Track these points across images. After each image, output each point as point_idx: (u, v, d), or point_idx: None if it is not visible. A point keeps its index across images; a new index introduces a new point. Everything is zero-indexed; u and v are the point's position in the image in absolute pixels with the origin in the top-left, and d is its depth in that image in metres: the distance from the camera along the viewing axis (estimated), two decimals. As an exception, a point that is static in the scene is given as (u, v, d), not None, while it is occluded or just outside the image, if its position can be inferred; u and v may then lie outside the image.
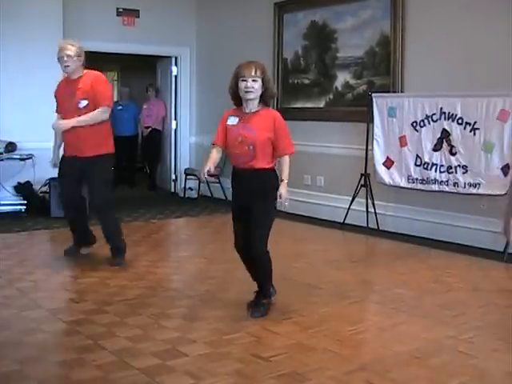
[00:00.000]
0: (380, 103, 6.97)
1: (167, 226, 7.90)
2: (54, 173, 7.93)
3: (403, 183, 6.81)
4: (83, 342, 3.75)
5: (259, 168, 4.06)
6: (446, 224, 6.60)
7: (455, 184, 6.31)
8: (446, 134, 6.38)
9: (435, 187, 6.49)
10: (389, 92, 7.09)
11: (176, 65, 10.12)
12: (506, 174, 5.95)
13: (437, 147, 6.47)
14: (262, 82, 4.04)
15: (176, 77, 10.16)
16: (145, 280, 5.11)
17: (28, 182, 8.03)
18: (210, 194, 9.47)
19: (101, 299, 4.57)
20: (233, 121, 4.14)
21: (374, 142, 7.01)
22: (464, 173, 6.25)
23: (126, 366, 3.39)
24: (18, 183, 8.04)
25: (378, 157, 6.99)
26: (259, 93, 4.05)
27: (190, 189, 9.78)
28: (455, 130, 6.30)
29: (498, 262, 5.85)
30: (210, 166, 4.12)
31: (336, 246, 6.73)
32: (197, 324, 4.09)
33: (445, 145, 6.40)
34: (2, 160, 7.69)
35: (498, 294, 4.93)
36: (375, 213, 7.15)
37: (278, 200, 4.02)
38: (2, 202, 7.82)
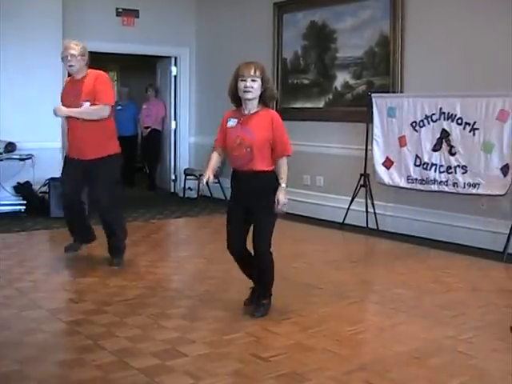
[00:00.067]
0: (379, 103, 6.97)
1: (167, 226, 7.91)
2: (54, 173, 7.99)
3: (403, 183, 6.81)
4: (83, 342, 3.75)
5: (258, 170, 4.05)
6: (445, 224, 6.60)
7: (455, 184, 6.32)
8: (445, 134, 6.38)
9: (435, 187, 6.49)
10: (388, 92, 7.09)
11: (175, 65, 10.12)
12: (505, 174, 5.96)
13: (436, 147, 6.47)
14: (262, 82, 4.04)
15: (175, 77, 10.17)
16: (144, 280, 5.11)
17: (27, 182, 8.03)
18: (209, 194, 9.47)
19: (100, 299, 4.57)
20: (232, 123, 4.13)
21: (374, 142, 7.01)
22: (463, 173, 6.25)
23: (126, 366, 3.39)
24: (18, 183, 8.04)
25: (378, 157, 6.99)
26: (258, 93, 4.04)
27: (190, 189, 9.78)
28: (455, 130, 6.31)
29: (497, 262, 5.85)
30: (210, 174, 4.15)
31: (335, 246, 6.73)
32: (196, 324, 4.09)
33: (444, 145, 6.40)
34: (1, 160, 7.69)
35: (498, 294, 4.93)
36: (375, 213, 7.16)
37: (276, 206, 4.01)
38: (2, 202, 7.82)
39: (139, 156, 11.68)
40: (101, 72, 5.49)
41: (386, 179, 6.94)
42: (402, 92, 7.02)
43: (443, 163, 6.41)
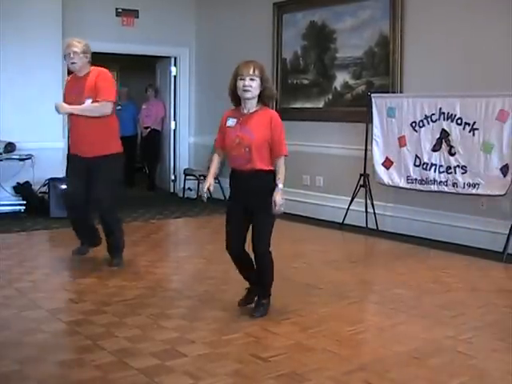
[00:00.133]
0: (379, 103, 6.98)
1: (166, 227, 7.91)
2: (54, 173, 8.00)
3: (402, 183, 6.81)
4: (82, 342, 3.75)
5: (257, 170, 4.05)
6: (445, 224, 6.60)
7: (454, 184, 6.32)
8: (445, 135, 6.38)
9: (434, 187, 6.49)
10: (388, 92, 7.10)
11: (175, 65, 10.12)
12: (505, 174, 5.96)
13: (436, 147, 6.47)
14: (261, 81, 4.04)
15: (175, 77, 10.17)
16: (144, 280, 5.11)
17: (27, 182, 8.03)
18: (209, 195, 9.46)
19: (100, 299, 4.57)
20: (231, 122, 4.13)
21: (373, 142, 7.01)
22: (463, 173, 6.25)
23: (125, 366, 3.39)
24: (18, 183, 8.04)
25: (377, 157, 6.99)
26: (257, 92, 4.04)
27: (189, 189, 9.78)
28: (454, 131, 6.31)
29: (497, 263, 5.85)
30: (211, 182, 4.20)
31: (335, 247, 6.73)
32: (196, 324, 4.09)
33: (444, 145, 6.40)
34: (1, 160, 7.69)
35: (497, 294, 4.93)
36: (374, 213, 7.16)
37: (273, 207, 4.00)
38: (2, 203, 7.82)
39: (139, 156, 11.68)
40: (103, 69, 5.48)
41: (386, 179, 6.94)
42: (401, 92, 7.02)
43: (443, 163, 6.41)
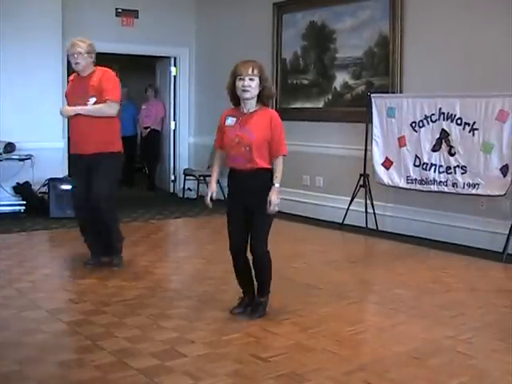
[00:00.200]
0: (379, 103, 6.98)
1: (166, 227, 7.91)
2: (53, 173, 8.00)
3: (402, 184, 6.81)
4: (82, 342, 3.75)
5: (256, 168, 4.04)
6: (444, 224, 6.60)
7: (454, 184, 6.32)
8: (445, 135, 6.38)
9: (434, 188, 6.49)
10: (388, 92, 7.10)
11: (175, 65, 10.12)
12: (505, 174, 5.96)
13: (436, 147, 6.47)
14: (260, 80, 4.02)
15: (175, 77, 10.16)
16: (144, 280, 5.11)
17: (27, 182, 8.03)
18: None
19: (100, 300, 4.57)
20: (230, 121, 4.12)
21: (373, 142, 7.01)
22: (463, 173, 6.25)
23: (125, 366, 3.39)
24: (17, 184, 8.04)
25: (377, 157, 7.00)
26: (256, 92, 4.03)
27: (189, 189, 9.78)
28: (454, 131, 6.31)
29: (496, 263, 5.85)
30: (213, 190, 4.21)
31: (335, 247, 6.73)
32: (195, 324, 4.09)
33: (444, 145, 6.40)
34: (1, 160, 7.68)
35: (497, 295, 4.93)
36: (374, 213, 7.16)
37: (267, 206, 3.98)
38: (1, 203, 7.82)
39: (139, 156, 11.68)
40: (107, 69, 5.45)
41: (386, 179, 6.94)
42: (401, 92, 7.02)
43: (443, 163, 6.41)
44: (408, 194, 6.88)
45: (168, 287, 5.07)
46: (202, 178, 9.33)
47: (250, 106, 4.08)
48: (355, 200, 7.19)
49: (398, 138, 6.81)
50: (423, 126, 6.57)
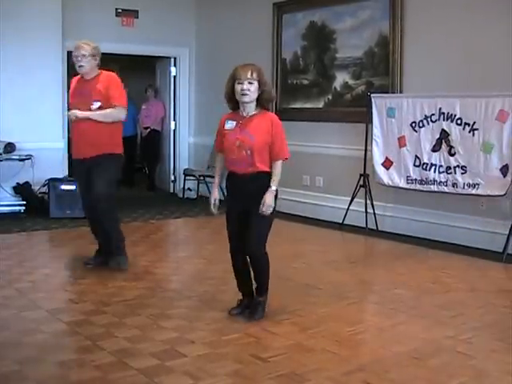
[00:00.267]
0: (379, 104, 6.98)
1: (166, 227, 7.91)
2: (53, 173, 8.00)
3: (402, 184, 6.81)
4: (82, 342, 3.75)
5: (258, 172, 4.03)
6: (444, 224, 6.60)
7: (454, 184, 6.32)
8: (445, 135, 6.38)
9: (434, 188, 6.49)
10: (388, 92, 7.10)
11: (175, 65, 10.12)
12: (504, 174, 5.96)
13: (436, 148, 6.47)
14: (259, 84, 4.01)
15: (175, 77, 10.16)
16: (143, 280, 5.11)
17: (27, 182, 8.03)
18: (209, 195, 9.46)
19: (100, 300, 4.57)
20: (230, 125, 4.10)
21: (373, 142, 7.01)
22: (463, 173, 6.25)
23: (125, 366, 3.40)
24: (17, 184, 8.04)
25: (377, 157, 7.00)
26: (255, 96, 4.01)
27: (189, 189, 9.78)
28: (454, 131, 6.31)
29: (496, 263, 5.85)
30: (216, 197, 4.22)
31: (335, 247, 6.73)
32: (195, 324, 4.09)
33: (444, 145, 6.40)
34: (1, 160, 7.68)
35: (497, 295, 4.93)
36: (374, 213, 7.16)
37: (261, 207, 3.97)
38: (1, 203, 7.81)
39: (139, 156, 11.68)
40: (112, 73, 5.41)
41: (386, 179, 6.94)
42: (401, 92, 7.02)
43: (443, 163, 6.41)
44: (408, 194, 6.88)
45: (168, 287, 5.07)
46: (201, 178, 9.33)
47: (250, 109, 4.06)
48: (355, 200, 7.19)
49: (398, 138, 6.81)
50: (423, 126, 6.57)
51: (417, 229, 6.86)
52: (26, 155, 7.83)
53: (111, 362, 3.45)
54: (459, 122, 6.26)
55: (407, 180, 6.75)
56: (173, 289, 5.03)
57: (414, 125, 6.65)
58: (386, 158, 6.93)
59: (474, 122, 6.14)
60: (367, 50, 7.40)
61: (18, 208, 7.82)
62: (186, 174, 9.75)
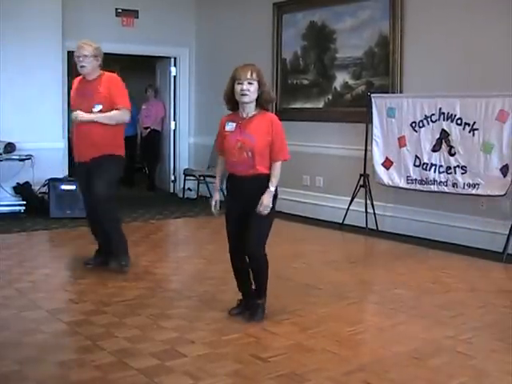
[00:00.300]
0: (379, 104, 6.98)
1: (166, 227, 7.91)
2: (53, 173, 8.00)
3: (402, 184, 6.81)
4: (82, 342, 3.75)
5: (258, 174, 4.02)
6: (444, 224, 6.60)
7: (454, 184, 6.32)
8: (445, 135, 6.38)
9: (434, 188, 6.49)
10: (388, 92, 7.10)
11: (175, 65, 10.12)
12: (505, 174, 5.96)
13: (436, 148, 6.47)
14: (258, 85, 4.00)
15: (175, 77, 10.16)
16: (144, 280, 5.11)
17: (27, 182, 8.03)
18: (209, 195, 9.46)
19: (100, 300, 4.57)
20: (230, 127, 4.09)
21: (373, 142, 7.01)
22: (463, 173, 6.25)
23: (125, 366, 3.40)
24: (17, 184, 8.04)
25: (377, 157, 7.00)
26: (255, 96, 4.01)
27: (189, 189, 9.78)
28: (454, 131, 6.31)
29: (496, 263, 5.85)
30: (217, 200, 4.22)
31: (335, 247, 6.73)
32: (195, 324, 4.09)
33: (444, 145, 6.40)
34: (1, 160, 7.68)
35: (497, 295, 4.93)
36: (374, 213, 7.16)
37: (258, 207, 3.96)
38: (1, 203, 7.81)
39: (139, 156, 11.67)
40: (114, 75, 5.38)
41: (386, 179, 6.94)
42: (401, 92, 7.02)
43: (443, 163, 6.41)
44: (408, 194, 6.88)
45: (168, 287, 5.07)
46: (202, 178, 9.32)
47: (249, 110, 4.05)
48: (355, 200, 7.19)
49: (398, 138, 6.81)
50: (423, 126, 6.57)
51: (417, 229, 6.86)
52: (26, 155, 7.82)
53: (111, 362, 3.45)
54: (459, 122, 6.26)
55: (407, 180, 6.75)
56: (173, 289, 5.04)
57: (414, 125, 6.65)
58: (386, 158, 6.93)
59: (474, 122, 6.14)
60: (367, 49, 7.40)
61: (18, 208, 7.83)
62: (186, 174, 9.75)
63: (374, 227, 7.18)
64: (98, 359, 3.48)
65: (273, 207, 4.05)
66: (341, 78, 7.75)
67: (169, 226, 7.96)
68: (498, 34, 6.14)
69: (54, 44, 8.24)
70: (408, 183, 6.75)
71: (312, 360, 3.54)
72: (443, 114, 6.38)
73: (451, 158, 6.34)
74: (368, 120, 7.05)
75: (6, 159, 7.71)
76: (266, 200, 3.98)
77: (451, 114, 6.31)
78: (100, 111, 5.18)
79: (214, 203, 4.23)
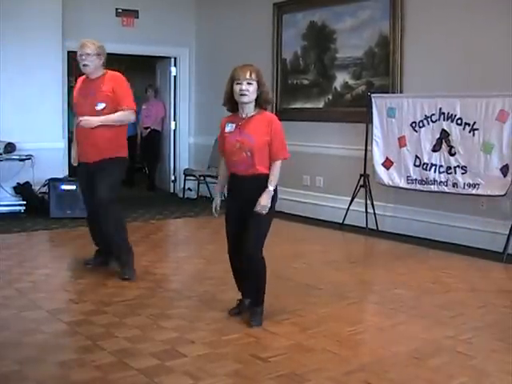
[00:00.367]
0: (379, 104, 6.98)
1: (166, 227, 7.91)
2: (54, 173, 8.00)
3: (402, 184, 6.81)
4: (82, 342, 3.75)
5: (258, 174, 4.02)
6: (444, 224, 6.60)
7: (454, 184, 6.32)
8: (445, 135, 6.38)
9: (434, 188, 6.49)
10: (388, 92, 7.10)
11: (175, 65, 10.12)
12: (505, 174, 5.96)
13: (436, 148, 6.47)
14: (257, 85, 4.00)
15: (175, 77, 10.17)
16: (144, 281, 5.11)
17: (27, 182, 8.03)
18: (209, 195, 9.47)
19: (100, 300, 4.57)
20: (230, 128, 4.09)
21: (373, 142, 7.01)
22: (463, 173, 6.25)
23: (125, 366, 3.40)
24: (18, 184, 8.04)
25: (377, 157, 6.99)
26: (254, 96, 4.00)
27: (189, 189, 9.78)
28: (454, 131, 6.31)
29: (496, 263, 5.85)
30: (217, 203, 4.22)
31: (335, 247, 6.73)
32: (196, 324, 4.09)
33: (444, 145, 6.40)
34: (1, 160, 7.69)
35: (497, 295, 4.93)
36: (374, 213, 7.16)
37: (256, 206, 3.96)
38: (1, 203, 7.82)
39: (139, 156, 11.66)
40: (118, 74, 5.30)
41: (386, 179, 6.94)
42: (401, 92, 7.02)
43: (443, 163, 6.41)
44: (408, 194, 6.88)
45: (168, 287, 5.07)
46: (202, 178, 9.32)
47: (248, 110, 4.05)
48: (355, 200, 7.19)
49: (399, 138, 6.81)
50: (423, 126, 6.57)
51: (417, 229, 6.86)
52: (26, 155, 7.83)
53: (111, 362, 3.45)
54: (459, 122, 6.26)
55: (407, 180, 6.75)
56: (173, 289, 5.03)
57: (414, 125, 6.65)
58: (387, 158, 6.93)
59: (475, 122, 6.14)
60: (367, 50, 7.40)
61: (18, 208, 7.83)
62: (186, 174, 9.75)
63: (375, 227, 7.18)
64: (98, 359, 3.48)
65: (272, 207, 4.05)
66: (341, 78, 7.75)
67: (169, 226, 7.96)
68: (497, 34, 6.14)
69: (54, 44, 8.24)
70: (408, 183, 6.75)
71: (312, 360, 3.54)
72: (443, 114, 6.38)
73: (451, 158, 6.34)
74: (368, 120, 7.05)
75: (6, 159, 7.72)
76: (264, 200, 3.97)
77: (451, 114, 6.31)
78: (103, 109, 5.12)
79: (214, 206, 4.23)
